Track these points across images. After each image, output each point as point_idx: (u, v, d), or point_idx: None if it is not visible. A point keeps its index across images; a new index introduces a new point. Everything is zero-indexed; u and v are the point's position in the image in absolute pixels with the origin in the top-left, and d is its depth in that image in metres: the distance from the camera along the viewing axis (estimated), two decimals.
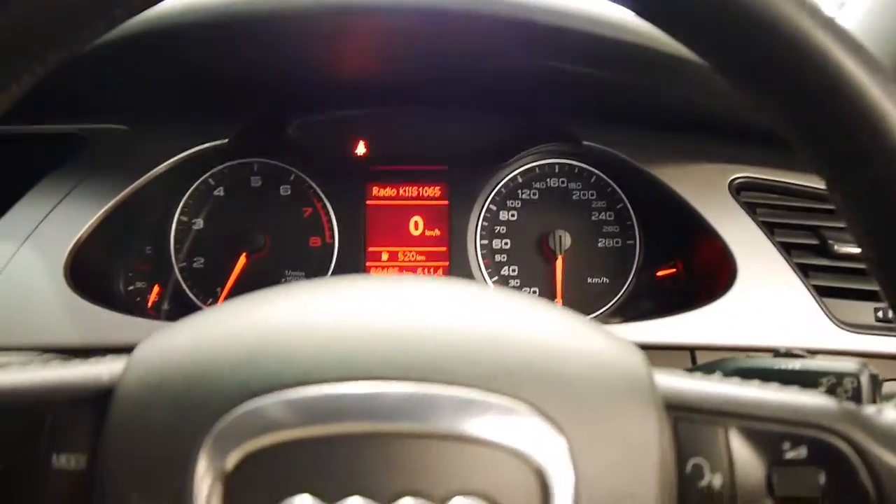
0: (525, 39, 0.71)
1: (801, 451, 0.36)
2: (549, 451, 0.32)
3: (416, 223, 0.87)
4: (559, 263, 0.86)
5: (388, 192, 0.87)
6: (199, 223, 0.86)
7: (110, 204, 0.75)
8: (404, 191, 0.88)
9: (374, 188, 0.87)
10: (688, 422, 0.36)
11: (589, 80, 0.78)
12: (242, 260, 0.84)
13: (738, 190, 0.80)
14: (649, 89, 0.78)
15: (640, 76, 0.74)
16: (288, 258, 0.86)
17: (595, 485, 0.32)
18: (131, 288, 0.84)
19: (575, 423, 0.33)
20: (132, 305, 0.82)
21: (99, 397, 0.36)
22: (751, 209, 0.78)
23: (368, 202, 0.87)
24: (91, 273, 0.75)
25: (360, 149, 0.87)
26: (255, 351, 0.34)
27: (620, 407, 0.34)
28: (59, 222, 0.72)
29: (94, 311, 0.67)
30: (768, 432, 0.36)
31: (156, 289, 0.85)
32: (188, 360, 0.34)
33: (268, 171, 0.87)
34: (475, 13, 0.66)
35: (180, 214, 0.85)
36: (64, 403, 0.36)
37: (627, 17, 0.69)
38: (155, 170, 0.79)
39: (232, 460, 0.31)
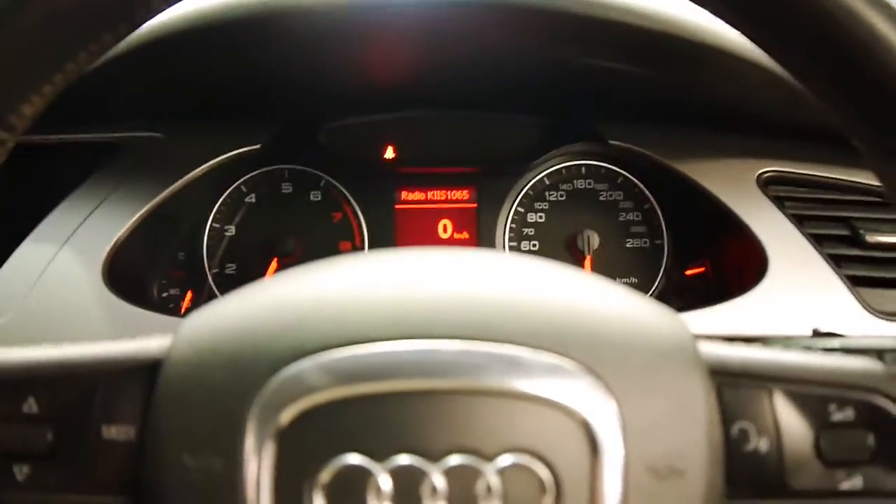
0: (559, 32, 0.72)
1: (848, 414, 0.36)
2: (598, 408, 0.32)
3: (444, 226, 0.88)
4: (588, 264, 0.86)
5: (417, 195, 0.88)
6: (231, 230, 0.87)
7: (145, 210, 0.77)
8: (433, 194, 0.89)
9: (403, 192, 0.88)
10: (731, 387, 0.36)
11: (617, 76, 0.79)
12: (274, 265, 0.86)
13: (766, 184, 0.80)
14: (677, 84, 0.79)
15: (670, 69, 0.75)
16: None
17: (644, 443, 0.32)
18: (165, 294, 0.85)
19: (623, 382, 0.33)
20: (166, 311, 0.83)
21: (147, 368, 0.37)
22: (779, 203, 0.79)
23: (397, 206, 0.88)
24: (127, 279, 0.76)
25: (389, 153, 0.88)
26: (305, 312, 0.35)
27: (666, 368, 0.34)
28: (96, 227, 0.74)
29: (132, 311, 0.68)
30: (814, 395, 0.36)
31: (189, 295, 0.86)
32: (238, 324, 0.35)
33: (298, 176, 0.88)
34: (507, 4, 0.68)
35: (213, 221, 0.87)
36: (113, 375, 0.37)
37: (660, 6, 0.70)
38: (188, 176, 0.80)
39: (284, 419, 0.32)
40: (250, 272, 0.86)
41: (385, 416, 0.31)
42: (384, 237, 0.87)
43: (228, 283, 0.86)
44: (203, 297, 0.86)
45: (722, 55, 0.72)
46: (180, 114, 0.83)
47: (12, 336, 0.64)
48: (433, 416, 0.31)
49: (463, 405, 0.32)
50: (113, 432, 0.37)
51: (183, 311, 0.85)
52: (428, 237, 0.88)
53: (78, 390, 0.37)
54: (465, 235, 0.88)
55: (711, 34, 0.72)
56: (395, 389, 0.32)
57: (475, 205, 0.88)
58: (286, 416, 0.32)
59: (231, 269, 0.87)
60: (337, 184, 0.88)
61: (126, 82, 0.76)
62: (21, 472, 0.37)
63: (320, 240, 0.87)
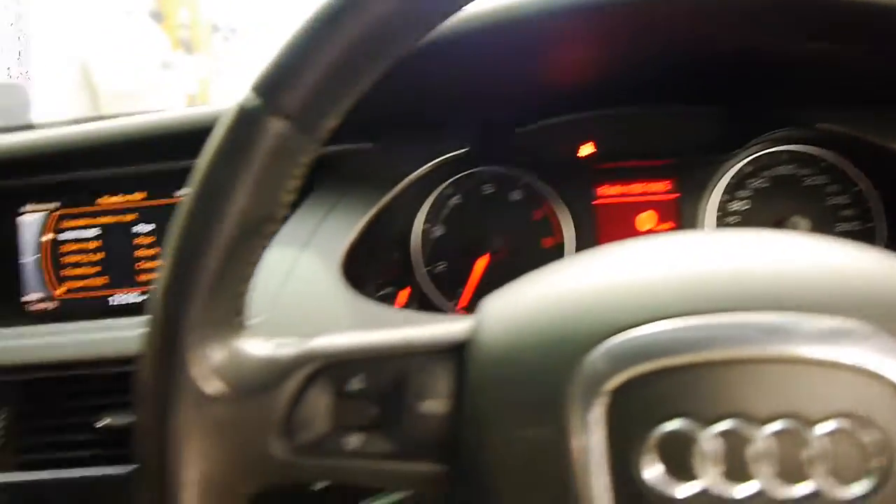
0: (757, 16, 0.71)
1: None
2: None
3: (646, 219, 0.89)
4: None
5: (616, 189, 0.90)
6: (439, 231, 0.92)
7: (366, 217, 0.83)
8: (632, 188, 0.90)
9: (602, 187, 0.90)
10: None
11: (819, 58, 0.78)
12: (481, 263, 0.90)
13: None
14: (887, 60, 0.76)
15: (879, 44, 0.73)
16: (523, 259, 0.90)
17: None
18: (381, 293, 0.91)
19: None
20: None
21: (455, 349, 0.41)
22: None
23: (596, 202, 0.90)
24: (354, 280, 0.82)
25: (585, 150, 0.91)
26: (622, 287, 0.37)
27: None
28: (328, 234, 0.80)
29: (369, 307, 0.74)
30: None
31: (402, 293, 0.91)
32: (552, 301, 0.38)
33: (499, 177, 0.92)
34: None
35: (422, 223, 0.92)
36: (424, 356, 0.41)
37: None
38: (401, 184, 0.85)
39: (609, 388, 0.35)
40: (458, 270, 0.91)
41: (708, 383, 0.34)
42: (586, 232, 0.89)
43: (438, 281, 0.91)
44: (416, 294, 0.91)
45: None
46: (388, 125, 0.89)
47: (270, 329, 0.71)
48: (756, 383, 0.33)
49: (784, 373, 0.33)
50: (428, 407, 0.41)
51: (399, 306, 0.90)
52: (629, 231, 0.89)
53: (395, 370, 0.42)
54: (668, 227, 0.89)
55: None
56: (719, 358, 0.34)
57: (677, 195, 0.89)
58: (611, 385, 0.34)
59: (440, 266, 0.92)
60: (536, 182, 0.91)
61: None
62: (350, 442, 0.42)
63: (523, 237, 0.91)
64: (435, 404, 0.41)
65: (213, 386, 0.42)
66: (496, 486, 0.37)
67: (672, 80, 0.87)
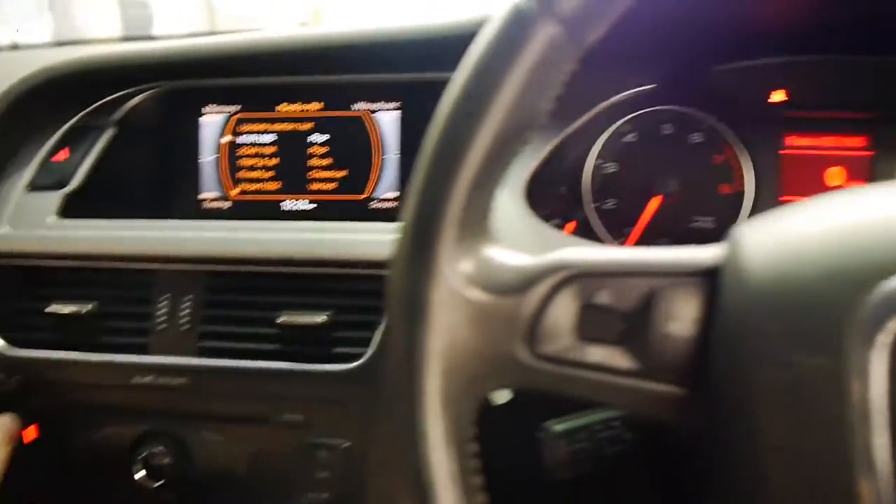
0: None
1: None
2: None
3: (834, 174, 0.86)
4: None
5: (805, 141, 0.86)
6: (611, 167, 0.91)
7: (550, 145, 0.82)
8: (823, 141, 0.86)
9: (790, 137, 0.87)
10: None
11: None
12: (654, 203, 0.88)
13: None
14: None
15: None
16: (697, 204, 0.88)
17: None
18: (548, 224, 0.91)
19: None
20: None
21: (707, 273, 0.40)
22: None
23: (782, 151, 0.87)
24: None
25: (776, 97, 0.87)
26: None
27: None
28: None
29: (560, 237, 0.74)
30: None
31: (568, 226, 0.91)
32: (833, 229, 0.37)
33: (680, 117, 0.89)
34: None
35: (594, 158, 0.91)
36: (673, 278, 0.41)
37: None
38: (588, 114, 0.84)
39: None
40: (628, 208, 0.89)
41: None
42: (768, 182, 0.86)
43: (606, 217, 0.90)
44: (582, 228, 0.91)
45: None
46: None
47: None
48: None
49: None
50: (675, 328, 0.41)
51: None
52: (815, 185, 0.86)
53: (642, 288, 0.42)
54: (859, 185, 0.85)
55: None
56: None
57: (872, 153, 0.84)
58: None
59: (609, 203, 0.91)
60: (720, 126, 0.88)
61: None
62: (592, 354, 0.42)
63: (699, 182, 0.88)
64: (683, 326, 0.41)
65: (465, 288, 0.43)
66: (754, 414, 0.37)
67: (882, 28, 0.82)
